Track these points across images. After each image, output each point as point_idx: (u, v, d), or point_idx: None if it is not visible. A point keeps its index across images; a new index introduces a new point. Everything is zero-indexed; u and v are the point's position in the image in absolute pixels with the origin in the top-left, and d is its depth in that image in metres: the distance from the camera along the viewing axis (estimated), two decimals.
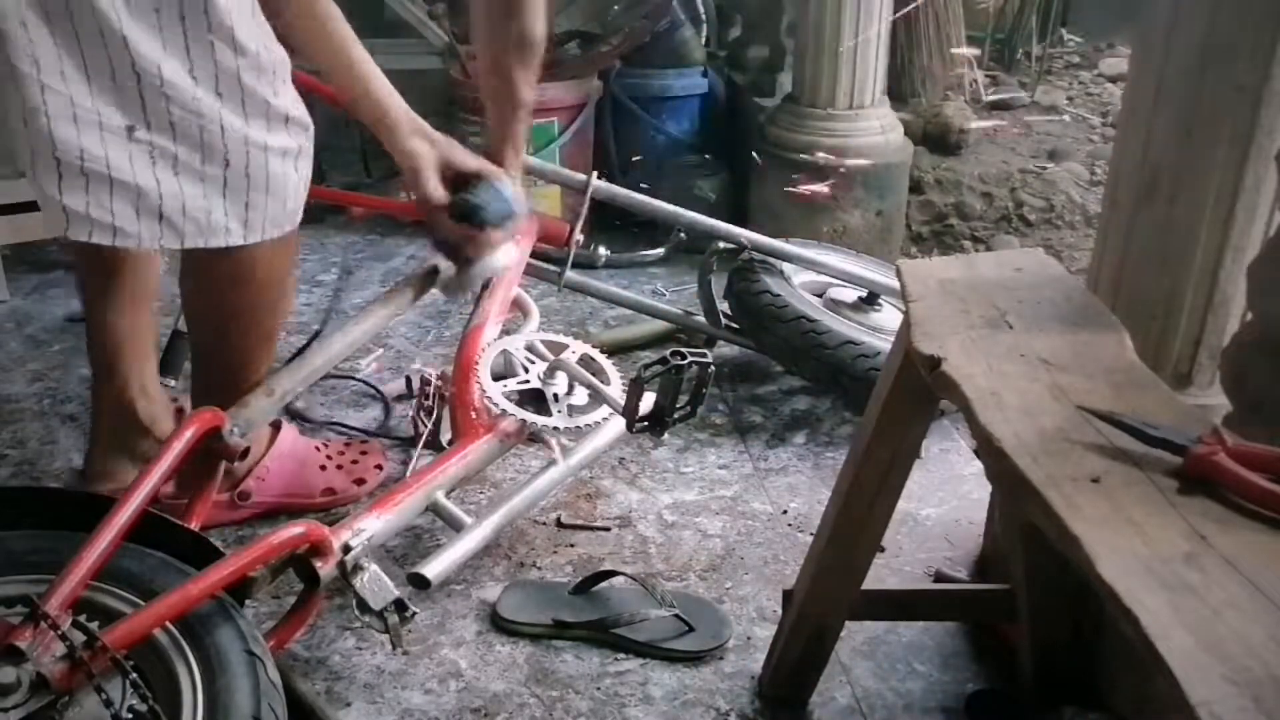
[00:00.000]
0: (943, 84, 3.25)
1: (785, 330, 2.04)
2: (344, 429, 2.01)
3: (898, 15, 2.61)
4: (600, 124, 3.05)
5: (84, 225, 1.27)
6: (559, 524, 1.76)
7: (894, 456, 1.20)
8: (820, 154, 2.59)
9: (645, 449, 1.97)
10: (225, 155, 1.32)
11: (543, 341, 1.77)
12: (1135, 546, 0.73)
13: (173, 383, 2.08)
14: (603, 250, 2.57)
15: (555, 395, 1.73)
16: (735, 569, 1.67)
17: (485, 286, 1.79)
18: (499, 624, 1.53)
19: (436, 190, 1.52)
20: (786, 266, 2.20)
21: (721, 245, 2.19)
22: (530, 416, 1.65)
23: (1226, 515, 0.77)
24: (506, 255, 1.70)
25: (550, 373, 1.75)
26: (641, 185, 2.57)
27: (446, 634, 1.52)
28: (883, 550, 1.62)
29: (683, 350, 1.66)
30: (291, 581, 1.33)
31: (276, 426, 1.74)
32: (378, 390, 2.15)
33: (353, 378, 2.19)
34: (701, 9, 3.25)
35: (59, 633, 1.06)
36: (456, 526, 1.54)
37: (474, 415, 1.68)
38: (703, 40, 3.21)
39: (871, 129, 2.65)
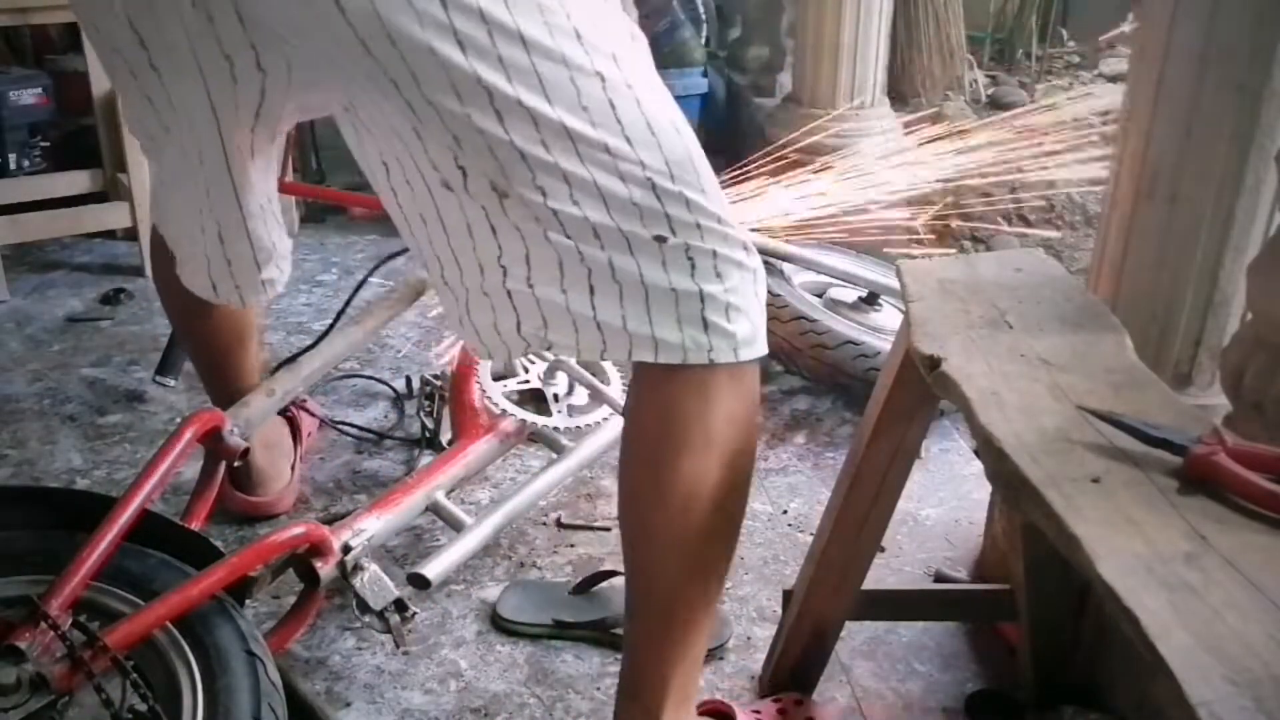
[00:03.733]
0: (943, 84, 3.26)
1: (785, 330, 2.04)
2: (350, 429, 2.01)
3: None
4: None
5: (622, 341, 1.02)
6: (559, 524, 1.76)
7: (894, 456, 1.20)
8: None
9: None
10: None
11: None
12: (1135, 546, 0.73)
13: (172, 382, 2.07)
14: None
15: (555, 395, 1.73)
16: (735, 569, 1.66)
17: None
18: (499, 624, 1.53)
19: None
20: (786, 266, 2.20)
21: None
22: (530, 416, 1.65)
23: (1226, 515, 0.77)
24: None
25: (550, 372, 1.75)
26: None
27: (446, 634, 1.52)
28: (883, 550, 1.62)
29: None
30: (291, 581, 1.33)
31: None
32: (393, 389, 2.15)
33: (363, 375, 2.19)
34: (701, 9, 3.25)
35: (59, 633, 1.05)
36: (456, 526, 1.54)
37: (474, 415, 1.68)
38: (703, 40, 3.22)
39: (871, 129, 2.65)
